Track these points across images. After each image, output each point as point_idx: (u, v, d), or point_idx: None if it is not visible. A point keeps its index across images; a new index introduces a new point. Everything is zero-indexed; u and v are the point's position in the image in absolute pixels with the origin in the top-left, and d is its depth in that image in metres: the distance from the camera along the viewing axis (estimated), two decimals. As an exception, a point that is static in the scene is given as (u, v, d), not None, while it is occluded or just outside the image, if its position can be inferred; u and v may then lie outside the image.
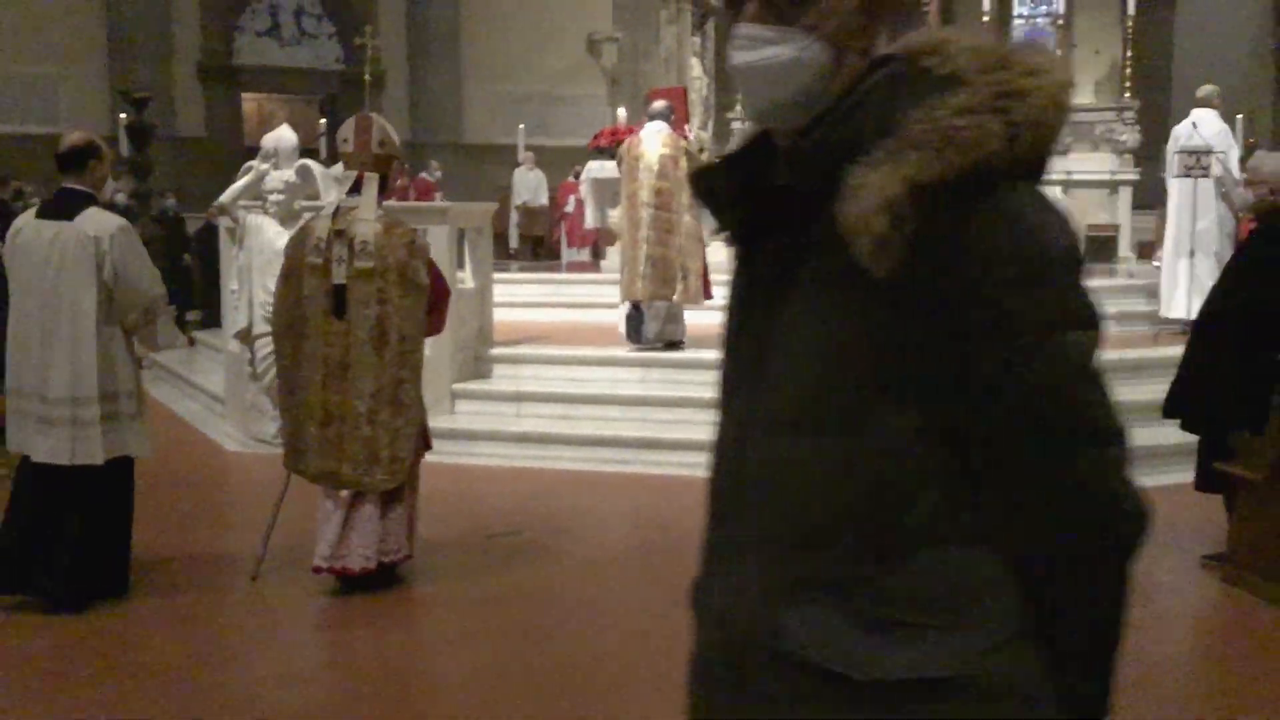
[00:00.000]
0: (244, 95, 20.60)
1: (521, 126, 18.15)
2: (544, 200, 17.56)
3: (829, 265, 1.29)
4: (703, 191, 1.46)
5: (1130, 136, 14.27)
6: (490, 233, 8.94)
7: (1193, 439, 5.54)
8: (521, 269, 13.93)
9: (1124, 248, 13.27)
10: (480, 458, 7.51)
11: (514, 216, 17.50)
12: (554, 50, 20.54)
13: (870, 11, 1.34)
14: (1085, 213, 13.59)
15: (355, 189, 5.05)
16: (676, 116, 8.98)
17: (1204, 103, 9.43)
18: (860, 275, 1.25)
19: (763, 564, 1.36)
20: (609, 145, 11.23)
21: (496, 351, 8.53)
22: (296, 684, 4.28)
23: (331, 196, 7.36)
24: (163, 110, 17.14)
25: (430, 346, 5.60)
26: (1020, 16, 21.78)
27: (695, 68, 12.98)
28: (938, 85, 1.28)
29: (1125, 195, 13.84)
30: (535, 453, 7.62)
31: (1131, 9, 14.29)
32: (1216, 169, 8.91)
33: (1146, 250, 13.92)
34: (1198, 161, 8.86)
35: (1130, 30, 14.70)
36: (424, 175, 17.15)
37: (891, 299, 1.25)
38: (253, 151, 9.42)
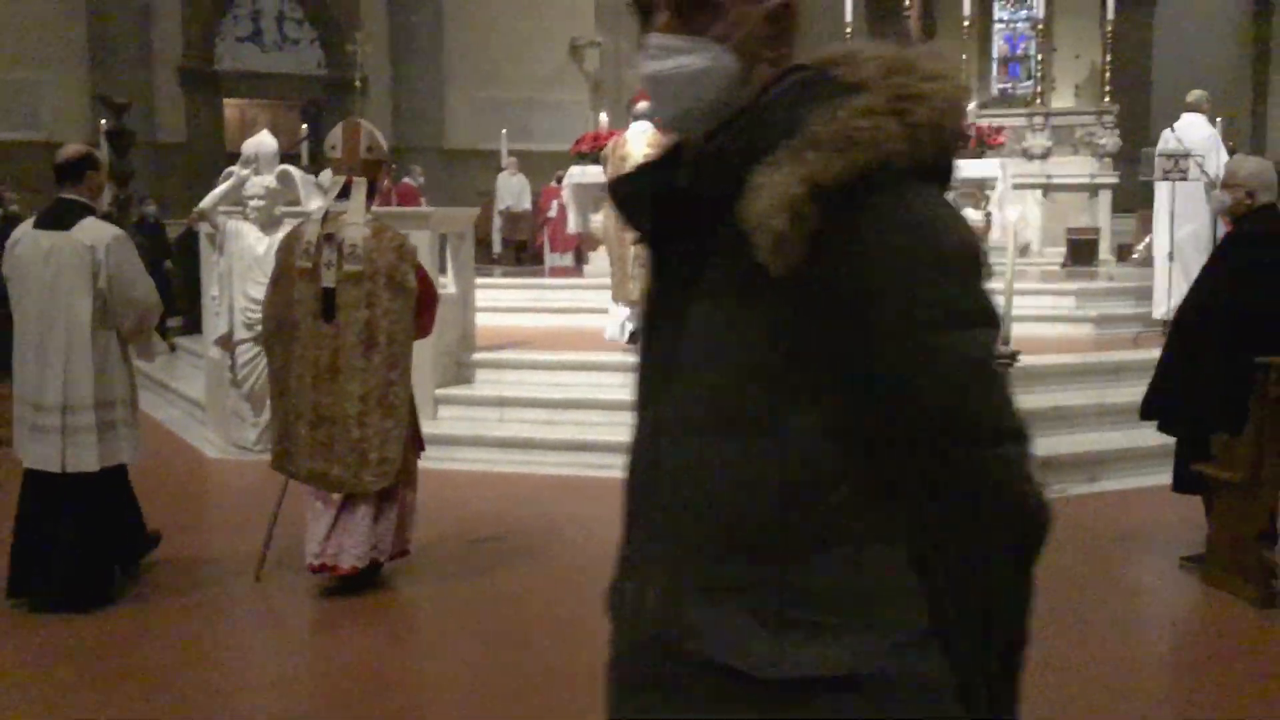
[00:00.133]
0: (225, 101, 20.49)
1: (504, 131, 18.12)
2: (527, 205, 17.54)
3: (734, 267, 1.30)
4: (618, 198, 1.48)
5: (1110, 140, 14.35)
6: (472, 238, 8.93)
7: (1171, 441, 5.58)
8: (505, 274, 13.91)
9: (1104, 250, 13.34)
10: (463, 463, 7.49)
11: (497, 221, 17.48)
12: (537, 55, 20.56)
13: (778, 22, 1.36)
14: (1066, 216, 13.68)
15: (344, 194, 5.10)
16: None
17: (1193, 107, 9.48)
18: (764, 276, 1.26)
19: (674, 564, 1.36)
20: (590, 150, 11.22)
21: (479, 356, 8.53)
22: (280, 687, 4.30)
23: (314, 203, 7.37)
24: (144, 116, 17.05)
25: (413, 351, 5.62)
26: (1000, 21, 21.94)
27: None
28: (842, 90, 1.30)
29: (1105, 199, 13.93)
30: (518, 458, 7.62)
31: (1111, 13, 14.40)
32: (1195, 172, 8.97)
33: (1125, 253, 14.00)
34: (1175, 165, 8.92)
35: (1110, 34, 14.81)
36: (407, 180, 17.09)
37: (794, 299, 1.26)
38: (234, 157, 9.39)
